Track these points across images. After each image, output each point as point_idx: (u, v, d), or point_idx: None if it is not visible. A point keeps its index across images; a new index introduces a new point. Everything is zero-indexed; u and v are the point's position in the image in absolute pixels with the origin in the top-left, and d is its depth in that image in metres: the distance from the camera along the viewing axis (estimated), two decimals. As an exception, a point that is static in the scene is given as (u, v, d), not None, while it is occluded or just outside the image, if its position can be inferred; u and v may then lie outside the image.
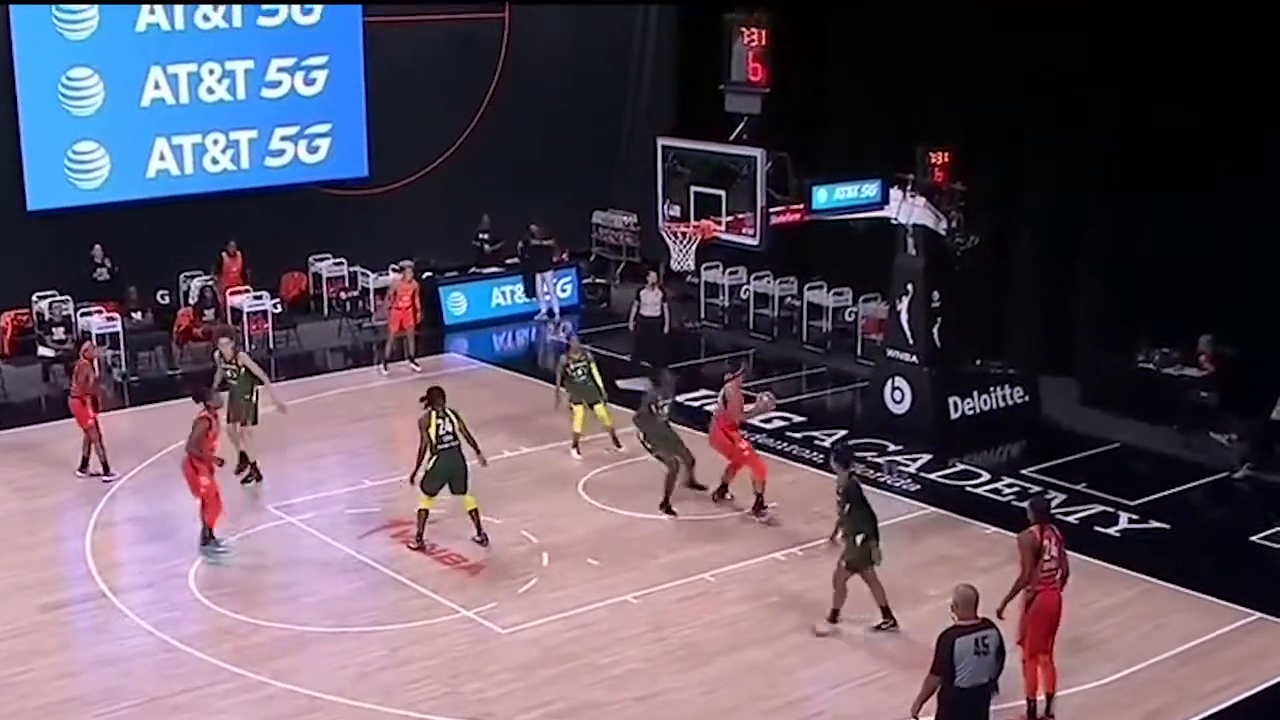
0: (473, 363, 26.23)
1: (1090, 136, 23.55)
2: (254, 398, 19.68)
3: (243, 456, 19.60)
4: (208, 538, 17.45)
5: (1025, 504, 14.33)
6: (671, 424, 19.13)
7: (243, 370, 19.70)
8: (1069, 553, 13.87)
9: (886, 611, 15.46)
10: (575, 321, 28.36)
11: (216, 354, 20.28)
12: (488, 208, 29.41)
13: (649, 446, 19.00)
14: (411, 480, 17.53)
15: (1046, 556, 13.40)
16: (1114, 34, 22.81)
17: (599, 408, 20.78)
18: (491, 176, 29.67)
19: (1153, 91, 22.41)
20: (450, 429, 17.30)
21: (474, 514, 17.62)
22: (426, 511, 17.57)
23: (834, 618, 15.48)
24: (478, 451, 17.73)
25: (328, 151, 29.08)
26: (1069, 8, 23.08)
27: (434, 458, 17.27)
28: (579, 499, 19.38)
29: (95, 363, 20.63)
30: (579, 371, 20.64)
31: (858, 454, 20.58)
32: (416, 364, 25.08)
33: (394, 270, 26.32)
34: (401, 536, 17.85)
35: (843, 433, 21.76)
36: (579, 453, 20.74)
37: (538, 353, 27.55)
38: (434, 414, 17.27)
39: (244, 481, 19.49)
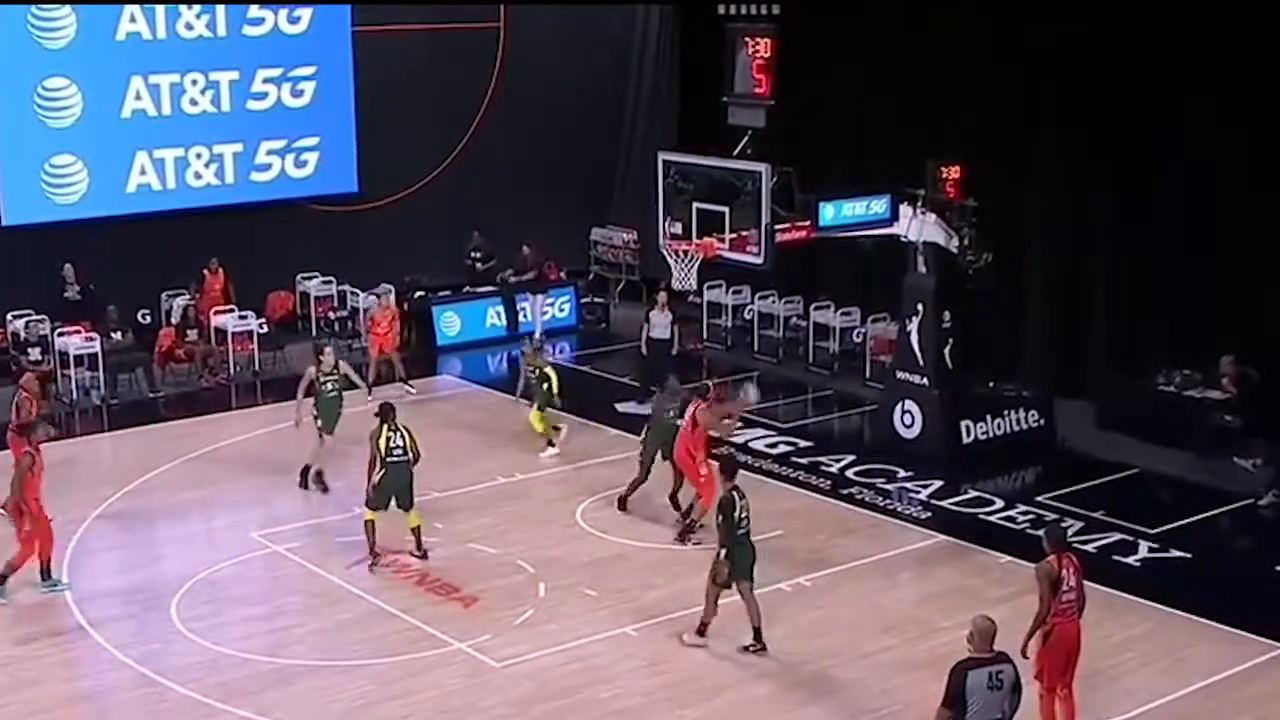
0: (466, 385, 25.96)
1: (1103, 150, 23.30)
2: (342, 406, 20.30)
3: (306, 469, 20.22)
4: (46, 574, 16.99)
5: (1040, 533, 14.12)
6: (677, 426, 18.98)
7: (343, 378, 20.36)
8: (1086, 582, 13.56)
9: (758, 634, 15.45)
10: (573, 342, 28.26)
11: (313, 367, 20.30)
12: (482, 225, 29.07)
13: (642, 445, 19.27)
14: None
15: (1065, 587, 13.14)
16: (1122, 43, 22.61)
17: (533, 412, 21.30)
18: (486, 192, 29.38)
19: (1166, 104, 22.25)
20: (401, 443, 17.55)
21: (416, 531, 17.89)
22: (373, 523, 17.71)
23: (702, 630, 15.55)
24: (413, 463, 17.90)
25: (316, 166, 28.71)
26: (1077, 20, 22.90)
27: (383, 470, 17.54)
28: (576, 527, 19.13)
29: (36, 395, 19.84)
30: (533, 374, 21.45)
31: (867, 480, 20.73)
32: (411, 386, 24.74)
33: (373, 295, 26.43)
34: (392, 566, 17.69)
35: (850, 458, 21.55)
36: (552, 446, 21.35)
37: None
38: (385, 427, 17.55)
39: (322, 490, 20.11)
